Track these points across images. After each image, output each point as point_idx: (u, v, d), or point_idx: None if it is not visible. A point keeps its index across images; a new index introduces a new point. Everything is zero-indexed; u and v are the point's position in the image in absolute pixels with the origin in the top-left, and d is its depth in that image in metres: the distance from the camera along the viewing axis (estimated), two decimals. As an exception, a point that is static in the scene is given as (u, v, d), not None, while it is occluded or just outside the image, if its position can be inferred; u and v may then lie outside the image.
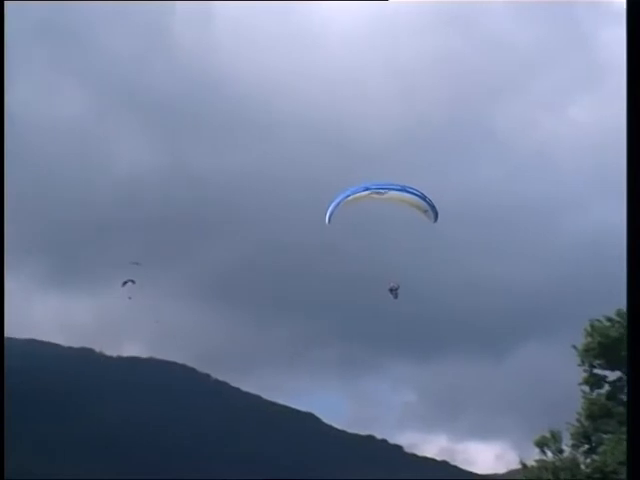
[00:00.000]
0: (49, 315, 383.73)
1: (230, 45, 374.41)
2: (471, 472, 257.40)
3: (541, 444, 49.52)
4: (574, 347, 50.21)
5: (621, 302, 50.52)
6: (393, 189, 34.43)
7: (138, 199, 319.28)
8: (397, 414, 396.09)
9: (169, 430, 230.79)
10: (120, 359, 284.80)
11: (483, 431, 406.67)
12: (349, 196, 35.10)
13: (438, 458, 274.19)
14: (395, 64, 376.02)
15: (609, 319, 50.05)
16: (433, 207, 33.95)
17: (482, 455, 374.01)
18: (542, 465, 48.93)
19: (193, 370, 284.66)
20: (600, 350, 49.10)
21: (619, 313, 50.04)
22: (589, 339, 49.65)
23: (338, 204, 35.03)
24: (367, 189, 34.93)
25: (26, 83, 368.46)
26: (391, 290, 34.01)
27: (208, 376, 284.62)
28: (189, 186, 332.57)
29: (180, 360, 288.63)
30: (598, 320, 50.18)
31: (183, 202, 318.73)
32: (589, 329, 49.91)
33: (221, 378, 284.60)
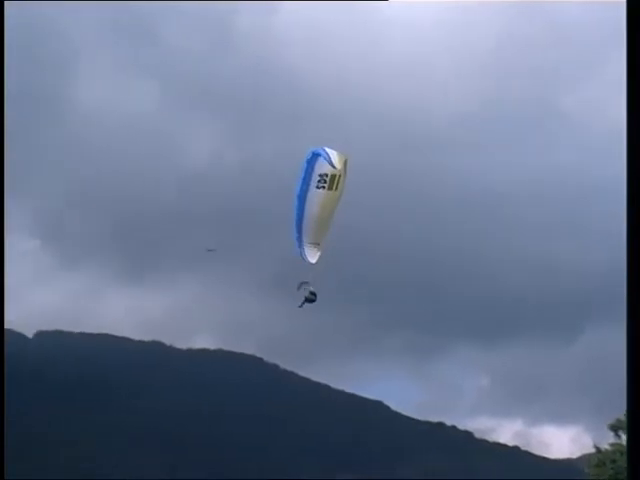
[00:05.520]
0: (123, 310, 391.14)
1: (293, 37, 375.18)
2: (543, 457, 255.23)
3: (616, 428, 49.00)
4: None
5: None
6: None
7: (206, 193, 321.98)
8: (470, 399, 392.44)
9: (240, 422, 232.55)
10: (190, 352, 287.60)
11: (557, 415, 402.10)
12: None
13: (510, 444, 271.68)
14: (464, 46, 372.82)
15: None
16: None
17: (557, 439, 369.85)
18: (617, 449, 48.40)
19: (261, 360, 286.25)
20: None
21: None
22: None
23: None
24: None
25: (97, 82, 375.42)
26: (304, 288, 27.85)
27: (276, 366, 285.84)
28: (255, 178, 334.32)
29: (248, 351, 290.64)
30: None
31: (249, 194, 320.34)
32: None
33: (289, 368, 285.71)
